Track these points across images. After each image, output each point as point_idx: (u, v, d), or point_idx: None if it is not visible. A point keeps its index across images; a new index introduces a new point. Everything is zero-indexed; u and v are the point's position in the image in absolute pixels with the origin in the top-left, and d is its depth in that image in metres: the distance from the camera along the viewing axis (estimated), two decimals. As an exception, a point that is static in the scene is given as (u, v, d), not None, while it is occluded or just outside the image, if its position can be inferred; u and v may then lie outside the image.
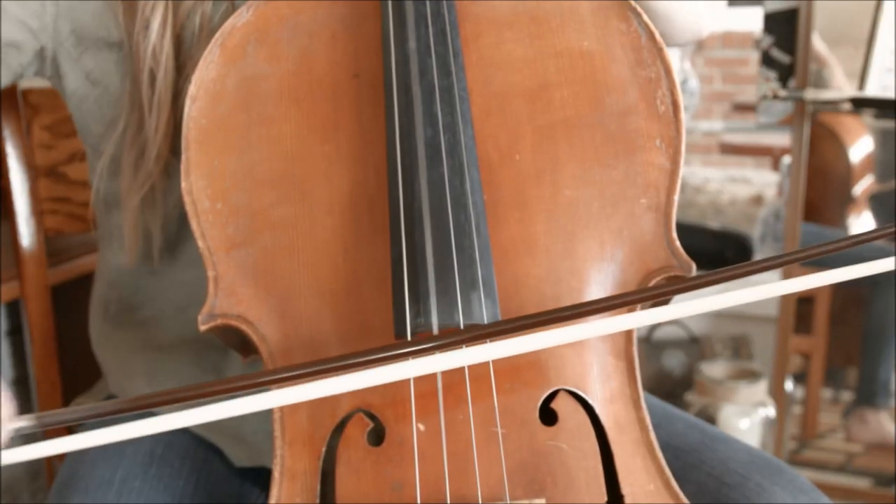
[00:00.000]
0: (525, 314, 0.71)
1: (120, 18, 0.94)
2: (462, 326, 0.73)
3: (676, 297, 0.77)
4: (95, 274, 1.12)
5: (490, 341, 0.72)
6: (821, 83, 2.38)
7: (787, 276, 0.74)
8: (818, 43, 2.35)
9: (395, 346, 0.70)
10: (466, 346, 0.71)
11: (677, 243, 0.79)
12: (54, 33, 0.95)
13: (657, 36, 0.82)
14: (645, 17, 0.83)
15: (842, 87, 2.38)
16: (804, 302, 2.65)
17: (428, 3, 0.83)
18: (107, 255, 1.08)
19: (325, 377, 0.68)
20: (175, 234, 1.00)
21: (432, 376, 0.74)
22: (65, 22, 0.95)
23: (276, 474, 0.76)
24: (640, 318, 0.73)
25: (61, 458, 1.42)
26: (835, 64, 2.38)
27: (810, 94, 2.34)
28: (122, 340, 1.07)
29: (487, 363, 0.75)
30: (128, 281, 1.05)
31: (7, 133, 1.35)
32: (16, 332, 1.91)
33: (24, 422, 0.66)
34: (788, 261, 0.72)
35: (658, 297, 0.73)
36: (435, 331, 0.73)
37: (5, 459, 0.64)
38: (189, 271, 1.00)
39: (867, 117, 2.74)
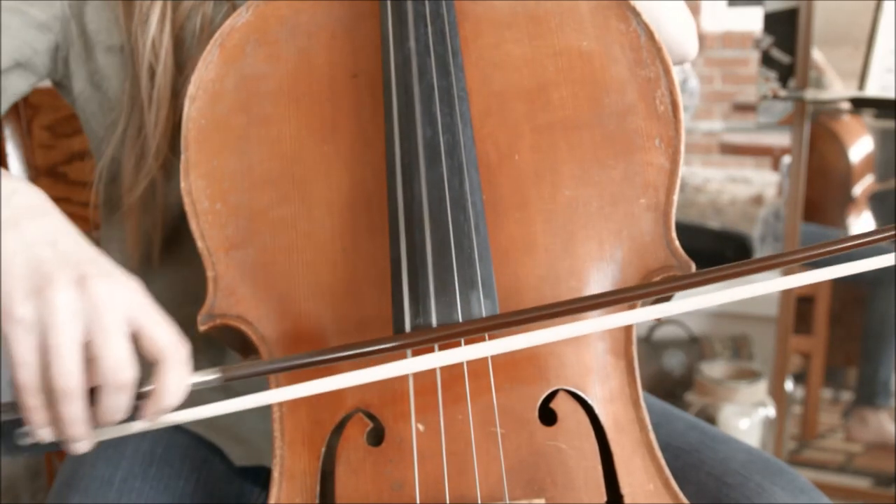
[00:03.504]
0: (524, 308, 0.71)
1: (120, 18, 0.95)
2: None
3: (677, 295, 0.78)
4: None
5: (489, 337, 0.72)
6: (820, 87, 2.39)
7: (787, 275, 0.74)
8: (816, 54, 2.35)
9: (396, 337, 0.70)
10: (465, 343, 0.71)
11: (676, 243, 0.79)
12: (68, 34, 0.96)
13: (656, 36, 0.82)
14: (644, 16, 0.83)
15: (841, 91, 2.38)
16: (804, 302, 2.65)
17: (427, 3, 0.83)
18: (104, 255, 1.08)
19: (325, 367, 0.69)
20: (173, 233, 1.00)
21: (432, 375, 0.74)
22: (76, 23, 0.96)
23: (275, 474, 0.76)
24: (639, 314, 0.74)
25: (61, 457, 1.42)
26: (832, 73, 2.39)
27: (810, 94, 2.34)
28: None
29: (487, 362, 0.75)
30: None
31: (7, 133, 1.35)
32: (16, 333, 1.91)
33: (206, 376, 0.69)
34: (788, 261, 0.72)
35: (658, 293, 0.73)
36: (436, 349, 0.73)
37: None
38: (184, 269, 1.00)
39: (867, 117, 2.74)
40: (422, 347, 0.72)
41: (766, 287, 0.71)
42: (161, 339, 0.66)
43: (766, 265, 0.72)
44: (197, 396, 0.72)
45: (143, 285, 1.04)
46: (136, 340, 0.66)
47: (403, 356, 0.73)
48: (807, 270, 0.72)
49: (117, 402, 0.66)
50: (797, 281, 0.72)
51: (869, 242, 0.71)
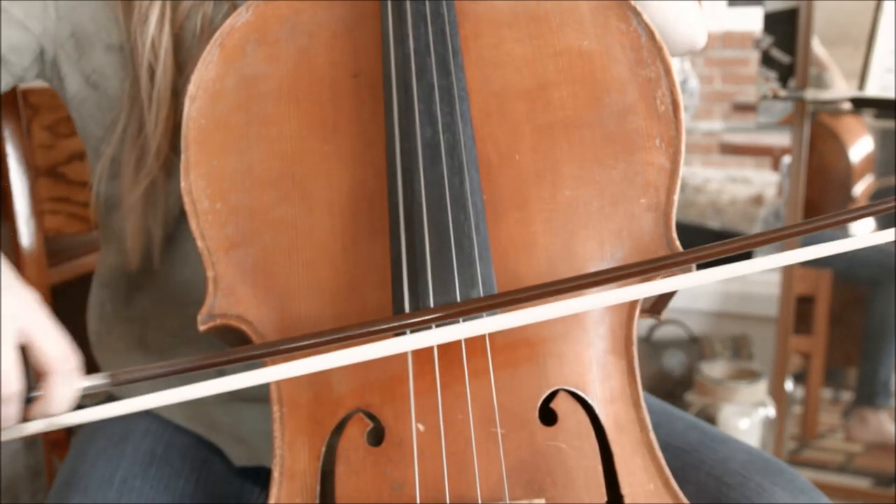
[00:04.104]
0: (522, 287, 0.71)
1: (120, 18, 0.94)
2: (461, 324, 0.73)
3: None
4: (94, 274, 1.12)
5: (487, 315, 0.72)
6: (821, 86, 2.38)
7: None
8: (818, 48, 2.35)
9: (395, 318, 0.70)
10: (463, 321, 0.71)
11: (677, 243, 0.79)
12: (55, 36, 0.95)
13: (657, 35, 0.82)
14: (645, 16, 0.83)
15: (842, 91, 2.38)
16: (804, 302, 2.65)
17: (427, 2, 0.83)
18: (105, 255, 1.08)
19: (325, 349, 0.69)
20: (173, 232, 1.00)
21: (431, 372, 0.74)
22: (65, 24, 0.95)
23: (275, 474, 0.76)
24: (640, 290, 0.74)
25: (61, 457, 1.42)
26: (835, 69, 2.38)
27: (810, 94, 2.34)
28: (118, 341, 1.07)
29: (487, 360, 0.75)
30: (122, 280, 1.05)
31: (7, 133, 1.35)
32: (16, 332, 1.91)
33: (95, 381, 0.69)
34: (793, 233, 0.73)
35: (652, 271, 0.73)
36: (433, 328, 0.73)
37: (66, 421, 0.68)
38: (184, 270, 1.00)
39: (867, 117, 2.74)
40: (420, 329, 0.72)
41: (767, 262, 0.72)
42: (49, 351, 0.66)
43: (768, 238, 0.72)
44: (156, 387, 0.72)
45: (148, 283, 1.04)
46: (26, 351, 0.66)
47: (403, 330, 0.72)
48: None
49: (5, 411, 0.66)
50: (797, 256, 0.72)
51: (870, 214, 0.72)
